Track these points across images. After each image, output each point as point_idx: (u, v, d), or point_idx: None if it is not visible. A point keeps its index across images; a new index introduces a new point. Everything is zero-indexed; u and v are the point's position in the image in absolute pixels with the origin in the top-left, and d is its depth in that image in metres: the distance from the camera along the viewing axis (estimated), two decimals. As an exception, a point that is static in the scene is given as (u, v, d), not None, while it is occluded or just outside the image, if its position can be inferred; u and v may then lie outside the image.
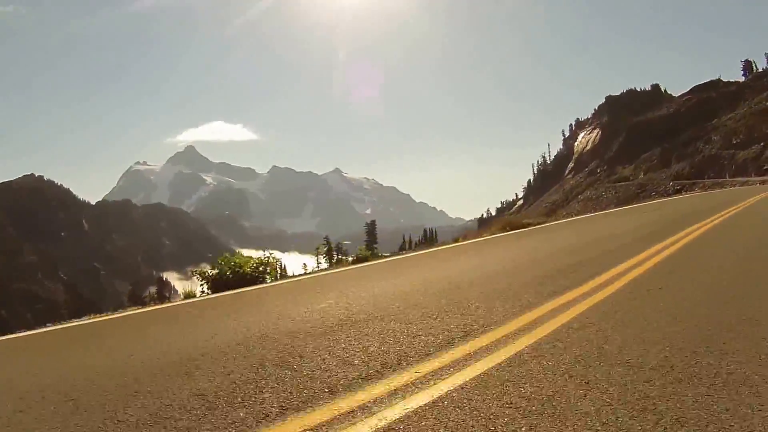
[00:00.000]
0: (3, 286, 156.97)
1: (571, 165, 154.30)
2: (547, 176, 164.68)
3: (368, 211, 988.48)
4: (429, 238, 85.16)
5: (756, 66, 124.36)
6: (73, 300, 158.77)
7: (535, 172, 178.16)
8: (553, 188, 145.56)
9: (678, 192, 73.40)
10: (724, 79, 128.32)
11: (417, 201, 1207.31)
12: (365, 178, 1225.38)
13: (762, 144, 75.77)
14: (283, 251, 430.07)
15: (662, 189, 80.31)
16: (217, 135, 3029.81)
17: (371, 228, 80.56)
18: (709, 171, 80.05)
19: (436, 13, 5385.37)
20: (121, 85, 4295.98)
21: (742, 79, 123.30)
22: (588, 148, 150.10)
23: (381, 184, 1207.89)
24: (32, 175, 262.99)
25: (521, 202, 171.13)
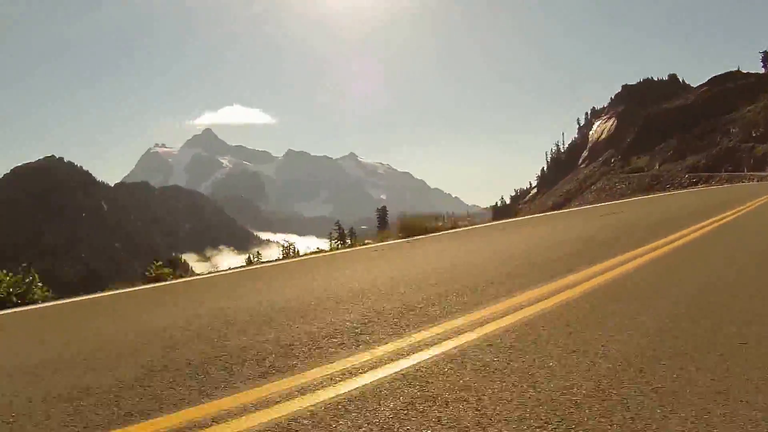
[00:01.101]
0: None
1: (585, 154, 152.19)
2: (560, 165, 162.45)
3: (383, 197, 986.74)
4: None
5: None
6: (93, 280, 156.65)
7: (549, 160, 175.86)
8: (566, 177, 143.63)
9: (694, 185, 71.83)
10: (743, 71, 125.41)
11: (432, 187, 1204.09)
12: (380, 163, 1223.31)
13: (782, 137, 73.58)
14: (300, 235, 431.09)
15: (677, 181, 78.59)
16: (235, 118, 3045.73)
17: (382, 213, 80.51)
18: (726, 164, 77.86)
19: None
20: (142, 69, 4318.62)
21: (761, 70, 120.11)
22: (603, 137, 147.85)
23: (396, 170, 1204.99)
24: (53, 156, 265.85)
25: (535, 190, 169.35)
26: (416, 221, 15.82)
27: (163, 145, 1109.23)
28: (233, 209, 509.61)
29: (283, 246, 18.06)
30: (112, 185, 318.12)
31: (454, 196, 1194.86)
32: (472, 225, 21.18)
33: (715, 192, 32.41)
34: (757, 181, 58.99)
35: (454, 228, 16.52)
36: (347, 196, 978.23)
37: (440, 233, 15.68)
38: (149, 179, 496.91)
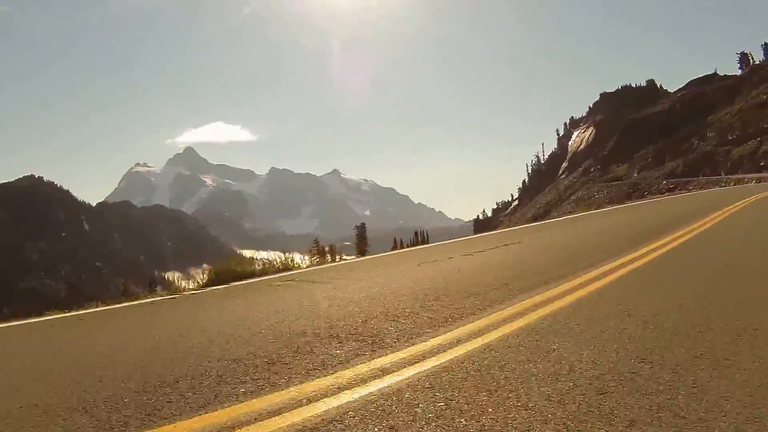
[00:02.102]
0: (7, 284, 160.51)
1: (565, 164, 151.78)
2: (541, 176, 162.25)
3: (367, 213, 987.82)
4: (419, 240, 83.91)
5: (753, 59, 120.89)
6: (75, 297, 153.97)
7: (530, 172, 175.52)
8: (546, 188, 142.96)
9: (671, 191, 70.75)
10: (721, 73, 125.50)
11: (416, 202, 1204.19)
12: (363, 179, 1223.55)
13: (759, 139, 72.70)
14: (283, 252, 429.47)
15: (655, 188, 77.78)
16: (217, 136, 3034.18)
17: (361, 231, 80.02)
18: (705, 168, 76.96)
19: (432, 14, 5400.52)
20: (122, 87, 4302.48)
21: (739, 72, 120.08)
22: (582, 146, 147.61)
23: (379, 186, 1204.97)
24: (32, 176, 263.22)
25: (516, 203, 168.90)
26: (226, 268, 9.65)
27: (146, 164, 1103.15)
28: (216, 227, 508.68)
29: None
30: (94, 204, 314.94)
31: (437, 210, 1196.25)
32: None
33: (681, 201, 29.02)
34: (733, 185, 57.79)
35: (287, 270, 10.09)
36: (331, 213, 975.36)
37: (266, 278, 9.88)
38: (132, 198, 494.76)
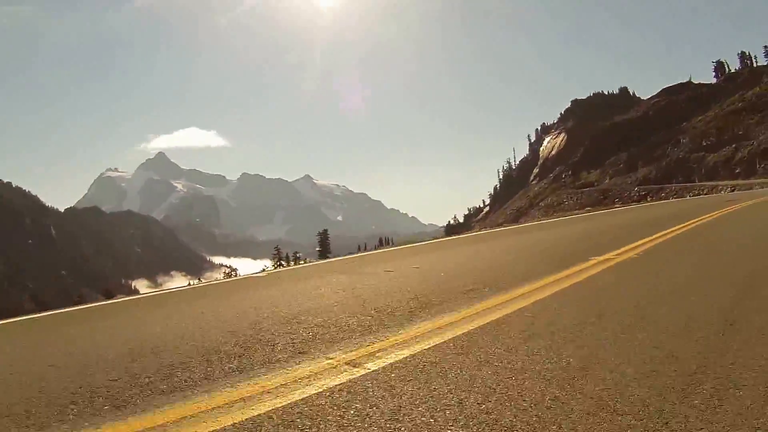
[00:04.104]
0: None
1: (536, 171, 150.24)
2: (512, 182, 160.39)
3: (339, 218, 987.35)
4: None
5: (728, 67, 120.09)
6: (38, 309, 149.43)
7: (501, 178, 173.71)
8: (517, 194, 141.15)
9: (643, 198, 68.71)
10: (695, 81, 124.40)
11: (388, 207, 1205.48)
12: (336, 184, 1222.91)
13: (733, 146, 70.85)
14: (254, 258, 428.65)
15: (626, 195, 75.74)
16: (190, 141, 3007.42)
17: (323, 238, 79.22)
18: (678, 175, 75.06)
19: (405, 22, 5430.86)
20: (96, 92, 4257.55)
21: (714, 80, 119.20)
22: (553, 153, 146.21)
23: (352, 191, 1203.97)
24: (0, 181, 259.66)
25: (487, 209, 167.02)
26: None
27: (116, 170, 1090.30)
28: (187, 234, 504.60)
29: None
30: (62, 210, 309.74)
31: (411, 215, 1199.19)
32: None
33: (630, 213, 24.34)
34: (706, 193, 55.54)
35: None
36: (303, 219, 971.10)
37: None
38: (102, 204, 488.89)
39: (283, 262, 72.25)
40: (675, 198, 55.32)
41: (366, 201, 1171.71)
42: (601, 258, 7.19)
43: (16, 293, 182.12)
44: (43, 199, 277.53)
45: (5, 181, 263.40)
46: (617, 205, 52.40)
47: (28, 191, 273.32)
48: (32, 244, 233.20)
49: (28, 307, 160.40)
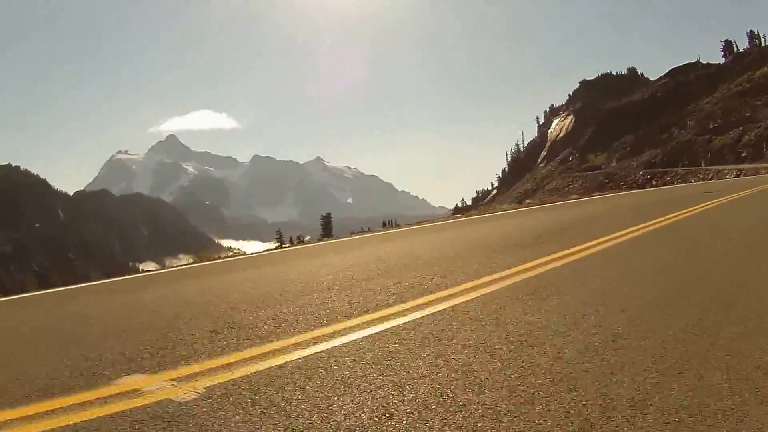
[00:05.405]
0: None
1: (544, 153, 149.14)
2: (520, 165, 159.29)
3: (350, 200, 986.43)
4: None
5: (737, 47, 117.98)
6: (44, 288, 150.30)
7: (509, 161, 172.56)
8: (525, 177, 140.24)
9: (649, 181, 67.85)
10: (704, 61, 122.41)
11: (399, 190, 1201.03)
12: (347, 167, 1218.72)
13: (741, 128, 69.45)
14: (263, 241, 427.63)
15: (631, 178, 74.76)
16: (202, 123, 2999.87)
17: (326, 221, 78.83)
18: (684, 158, 73.82)
19: (416, 3, 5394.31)
20: (110, 77, 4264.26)
21: (722, 60, 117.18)
22: (561, 135, 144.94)
23: (363, 173, 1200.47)
24: (8, 165, 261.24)
25: (495, 191, 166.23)
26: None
27: (127, 152, 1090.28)
28: (196, 216, 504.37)
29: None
30: (71, 194, 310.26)
31: (421, 198, 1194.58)
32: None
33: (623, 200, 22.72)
34: (710, 178, 54.26)
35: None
36: (313, 201, 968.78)
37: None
38: (112, 186, 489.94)
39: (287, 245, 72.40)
40: (679, 182, 54.51)
41: (376, 183, 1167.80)
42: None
43: (22, 274, 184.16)
44: (54, 182, 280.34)
45: (14, 165, 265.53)
46: (615, 191, 51.59)
47: (37, 174, 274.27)
48: (40, 227, 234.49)
49: (34, 288, 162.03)
